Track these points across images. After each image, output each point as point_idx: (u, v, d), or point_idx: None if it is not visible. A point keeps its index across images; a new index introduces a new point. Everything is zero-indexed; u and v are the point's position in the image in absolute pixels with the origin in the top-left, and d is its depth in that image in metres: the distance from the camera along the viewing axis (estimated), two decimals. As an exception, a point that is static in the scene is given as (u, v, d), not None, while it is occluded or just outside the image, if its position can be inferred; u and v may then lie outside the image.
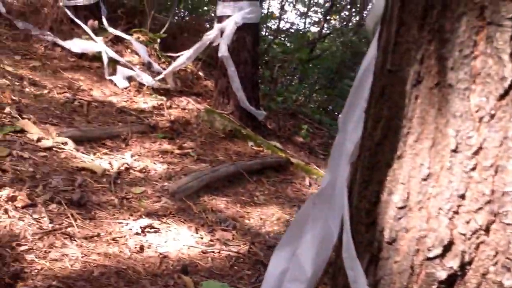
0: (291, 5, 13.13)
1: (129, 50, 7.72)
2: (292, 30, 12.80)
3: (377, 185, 1.36)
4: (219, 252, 3.55)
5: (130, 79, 6.80)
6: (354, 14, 13.67)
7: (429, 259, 1.20)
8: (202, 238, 3.68)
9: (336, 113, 10.73)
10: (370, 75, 1.57)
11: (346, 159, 1.74)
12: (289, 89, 10.16)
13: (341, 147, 1.91)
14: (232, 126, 5.76)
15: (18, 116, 4.76)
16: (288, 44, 11.36)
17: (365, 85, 1.71)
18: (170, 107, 6.22)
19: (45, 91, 5.83)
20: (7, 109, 4.82)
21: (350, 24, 13.59)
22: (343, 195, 1.62)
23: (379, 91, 1.40)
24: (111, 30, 7.77)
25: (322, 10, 13.16)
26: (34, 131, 4.53)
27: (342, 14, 13.84)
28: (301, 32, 12.20)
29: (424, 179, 1.21)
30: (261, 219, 4.23)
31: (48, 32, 7.42)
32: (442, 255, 1.17)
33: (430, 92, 1.19)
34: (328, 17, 13.01)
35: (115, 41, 7.78)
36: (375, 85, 1.45)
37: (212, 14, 10.94)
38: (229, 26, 6.02)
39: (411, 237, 1.24)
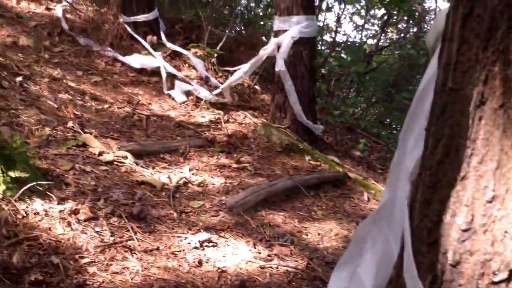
0: (348, 17, 13.08)
1: (187, 65, 7.83)
2: (349, 43, 12.71)
3: (439, 204, 1.34)
4: (277, 268, 3.54)
5: (188, 93, 6.90)
6: (411, 26, 13.49)
7: (494, 283, 1.17)
8: (260, 253, 3.67)
9: (393, 126, 10.59)
10: (430, 92, 1.54)
11: (406, 176, 1.72)
12: (346, 103, 10.08)
13: (401, 164, 1.88)
14: (289, 140, 5.75)
15: (80, 131, 4.89)
16: (345, 57, 11.28)
17: (425, 102, 1.69)
18: (227, 121, 6.27)
19: (106, 106, 5.97)
20: (70, 124, 4.96)
21: (408, 36, 13.42)
22: (403, 213, 1.60)
23: (440, 109, 1.38)
24: (169, 45, 7.91)
25: (379, 22, 13.03)
26: (95, 145, 4.64)
27: (399, 26, 13.67)
28: (357, 45, 12.10)
29: (489, 202, 1.18)
30: (319, 234, 4.19)
31: (109, 48, 7.61)
32: (508, 280, 1.14)
33: (495, 113, 1.16)
34: (385, 29, 12.88)
35: (173, 56, 7.92)
36: (436, 103, 1.43)
37: (269, 28, 10.98)
38: (286, 40, 6.02)
39: (476, 260, 1.21)
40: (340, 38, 12.92)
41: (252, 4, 13.21)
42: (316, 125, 6.23)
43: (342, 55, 11.48)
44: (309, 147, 5.84)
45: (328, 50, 11.39)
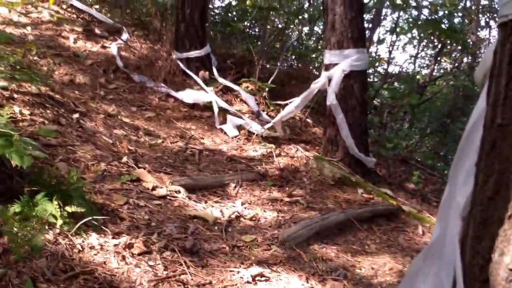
0: (400, 48, 12.99)
1: (238, 99, 7.92)
2: (402, 73, 12.58)
3: (491, 241, 1.30)
4: (330, 303, 3.49)
5: (239, 127, 6.96)
6: (465, 55, 13.28)
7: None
8: (312, 287, 3.63)
9: (449, 158, 10.37)
10: (480, 127, 1.52)
11: (457, 212, 1.68)
12: (399, 134, 9.95)
13: (451, 200, 1.84)
14: (342, 173, 5.70)
15: (134, 165, 4.99)
16: (398, 88, 11.18)
17: (474, 137, 1.66)
18: (279, 155, 6.27)
19: (159, 141, 6.07)
20: (124, 159, 5.06)
21: (462, 65, 13.21)
22: (455, 250, 1.56)
23: (489, 145, 1.35)
24: (221, 80, 8.03)
25: (433, 52, 12.89)
26: (149, 180, 4.71)
27: (453, 55, 13.48)
28: (410, 75, 11.97)
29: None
30: (372, 268, 4.11)
31: (162, 84, 7.78)
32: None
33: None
34: (438, 59, 12.73)
35: (225, 91, 8.03)
36: (485, 139, 1.41)
37: (321, 61, 11.02)
38: (337, 74, 6.02)
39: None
40: (392, 69, 12.84)
41: (304, 37, 13.29)
42: (368, 157, 6.17)
43: (396, 85, 11.37)
44: (362, 180, 5.78)
45: (380, 82, 11.30)
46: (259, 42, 11.18)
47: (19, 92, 5.46)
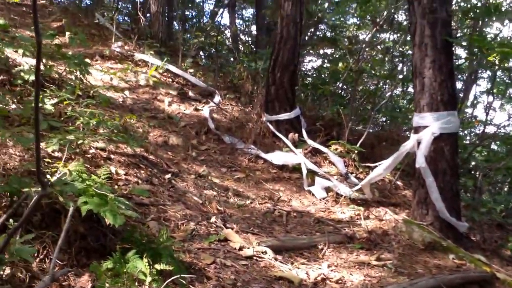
0: (497, 109, 12.62)
1: (327, 161, 7.95)
2: (500, 134, 12.14)
3: None
4: None
5: (328, 189, 6.96)
6: None
7: None
8: None
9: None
10: None
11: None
12: (497, 199, 9.54)
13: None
14: (432, 237, 5.55)
15: (222, 226, 5.10)
16: (496, 149, 10.78)
17: None
18: (367, 218, 6.21)
19: (248, 202, 6.18)
20: (213, 219, 5.19)
21: None
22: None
23: None
24: (310, 142, 8.11)
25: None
26: (236, 240, 4.79)
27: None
28: (509, 136, 11.54)
29: None
30: None
31: (252, 146, 7.96)
32: None
33: None
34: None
35: (313, 153, 8.09)
36: None
37: (411, 123, 10.90)
38: (426, 136, 5.95)
39: None
40: (490, 129, 12.42)
41: (395, 99, 13.23)
42: (460, 222, 5.97)
43: (493, 147, 10.98)
44: (453, 245, 5.59)
45: (477, 141, 10.95)
46: (349, 104, 11.22)
47: (116, 153, 5.76)
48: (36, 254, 3.38)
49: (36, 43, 1.83)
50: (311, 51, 14.90)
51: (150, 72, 10.10)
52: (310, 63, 16.19)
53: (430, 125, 5.97)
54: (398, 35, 12.80)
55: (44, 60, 6.29)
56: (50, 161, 4.64)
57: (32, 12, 1.71)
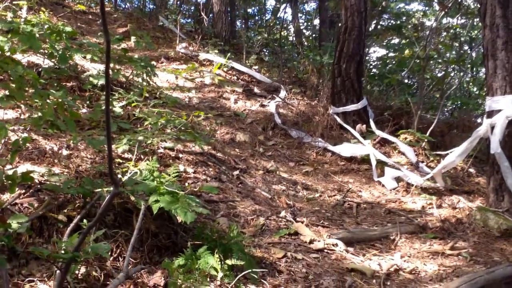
0: None
1: (396, 151, 7.81)
2: None
3: None
4: None
5: (398, 179, 6.84)
6: None
7: None
8: None
9: None
10: None
11: None
12: None
13: None
14: (508, 224, 5.36)
15: (292, 219, 5.10)
16: None
17: None
18: (440, 206, 6.06)
19: (317, 195, 6.15)
20: (283, 213, 5.20)
21: None
22: None
23: None
24: (378, 132, 7.99)
25: None
26: (306, 233, 4.78)
27: None
28: None
29: None
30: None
31: (319, 139, 7.92)
32: None
33: None
34: None
35: (382, 143, 7.97)
36: None
37: (483, 109, 10.58)
38: (500, 120, 5.74)
39: None
40: None
41: (464, 85, 12.88)
42: (538, 208, 5.75)
43: None
44: (532, 232, 5.39)
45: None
46: (417, 92, 11.00)
47: (184, 151, 5.86)
48: (110, 253, 3.48)
49: (105, 42, 1.88)
50: (375, 42, 14.70)
51: (214, 69, 10.22)
52: (376, 53, 15.99)
53: (504, 108, 5.76)
54: (466, 19, 12.45)
55: (111, 65, 6.46)
56: (120, 161, 4.77)
57: (100, 12, 1.76)
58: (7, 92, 3.65)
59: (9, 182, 3.12)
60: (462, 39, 12.59)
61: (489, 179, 6.02)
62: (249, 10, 20.52)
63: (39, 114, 3.80)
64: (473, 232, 5.37)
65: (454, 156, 6.40)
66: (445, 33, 11.76)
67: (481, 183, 7.03)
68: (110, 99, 5.56)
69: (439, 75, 12.30)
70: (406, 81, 12.76)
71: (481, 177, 7.25)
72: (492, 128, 5.87)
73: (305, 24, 21.16)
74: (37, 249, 2.67)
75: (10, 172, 3.44)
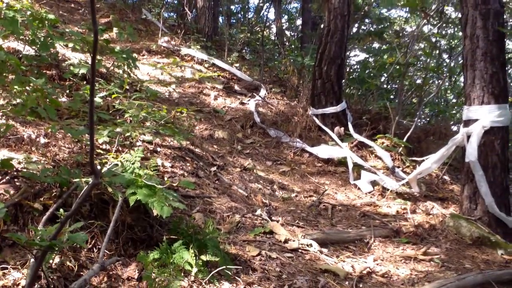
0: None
1: (373, 155, 7.88)
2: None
3: None
4: None
5: (374, 183, 6.90)
6: None
7: None
8: None
9: None
10: None
11: None
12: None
13: None
14: (480, 232, 5.44)
15: (267, 218, 5.12)
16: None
17: None
18: (414, 212, 6.13)
19: (293, 195, 6.18)
20: (258, 212, 5.21)
21: None
22: None
23: None
24: (356, 136, 8.06)
25: None
26: (281, 233, 4.81)
27: None
28: None
29: None
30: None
31: (297, 139, 7.97)
32: None
33: None
34: None
35: (360, 147, 8.04)
36: None
37: (460, 117, 10.72)
38: (476, 130, 5.83)
39: None
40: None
41: (442, 93, 13.02)
42: (510, 217, 5.83)
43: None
44: (503, 240, 5.47)
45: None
46: (396, 98, 11.10)
47: (162, 145, 5.84)
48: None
49: (93, 33, 1.87)
50: (356, 46, 14.78)
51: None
52: (356, 56, 16.08)
53: (480, 118, 5.85)
54: (447, 28, 12.59)
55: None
56: (100, 152, 4.74)
57: (90, 3, 1.75)
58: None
59: (-12, 168, 3.08)
60: (442, 47, 12.72)
61: (463, 187, 6.11)
62: (232, 7, 20.52)
63: (18, 100, 3.77)
64: (446, 238, 5.44)
65: (430, 163, 6.48)
66: (425, 41, 11.86)
67: (455, 190, 7.13)
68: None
69: (418, 81, 12.41)
70: (385, 86, 12.87)
71: (455, 185, 7.35)
72: (468, 137, 5.95)
73: (288, 24, 21.22)
74: (14, 235, 2.64)
75: (-13, 159, 3.40)
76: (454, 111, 12.30)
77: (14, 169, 3.77)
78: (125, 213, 3.77)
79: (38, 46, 5.24)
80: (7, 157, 3.33)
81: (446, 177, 7.55)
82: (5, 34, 4.97)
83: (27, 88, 3.87)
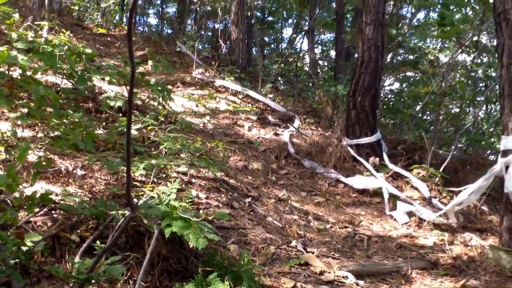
0: None
1: (409, 186, 7.79)
2: None
3: None
4: None
5: (410, 214, 6.80)
6: None
7: None
8: None
9: None
10: None
11: None
12: None
13: None
14: (521, 265, 5.31)
15: (302, 250, 5.08)
16: None
17: None
18: (452, 243, 6.01)
19: (328, 226, 6.13)
20: (293, 243, 5.18)
21: None
22: None
23: None
24: (391, 166, 7.98)
25: None
26: (317, 264, 4.76)
27: None
28: None
29: None
30: None
31: (332, 170, 7.93)
32: None
33: None
34: None
35: (395, 177, 7.95)
36: None
37: (496, 146, 10.57)
38: (515, 160, 5.73)
39: None
40: None
41: (479, 122, 12.86)
42: (552, 249, 5.69)
43: None
44: (545, 273, 5.33)
45: None
46: (431, 128, 11.00)
47: (197, 177, 5.88)
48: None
49: (130, 68, 1.91)
50: (390, 75, 14.75)
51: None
52: (390, 85, 16.03)
53: (518, 148, 5.74)
54: (482, 57, 12.48)
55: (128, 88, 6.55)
56: (136, 184, 4.80)
57: (127, 40, 1.80)
58: (26, 111, 3.70)
59: (28, 202, 3.14)
60: (477, 76, 12.60)
61: (502, 218, 5.97)
62: (266, 39, 20.71)
63: (56, 133, 3.85)
64: (485, 270, 5.32)
65: (467, 194, 6.36)
66: (461, 70, 11.78)
67: (494, 221, 6.98)
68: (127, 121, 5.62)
69: (454, 111, 12.30)
70: (420, 115, 12.77)
71: (494, 215, 7.20)
72: (507, 167, 5.84)
73: (321, 54, 21.31)
74: (52, 268, 2.67)
75: (27, 191, 3.46)
76: (491, 141, 12.12)
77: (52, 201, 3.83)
78: (160, 245, 3.78)
79: (75, 79, 5.37)
80: (46, 191, 3.38)
81: (485, 208, 7.40)
82: (45, 68, 5.11)
83: (65, 121, 3.95)
